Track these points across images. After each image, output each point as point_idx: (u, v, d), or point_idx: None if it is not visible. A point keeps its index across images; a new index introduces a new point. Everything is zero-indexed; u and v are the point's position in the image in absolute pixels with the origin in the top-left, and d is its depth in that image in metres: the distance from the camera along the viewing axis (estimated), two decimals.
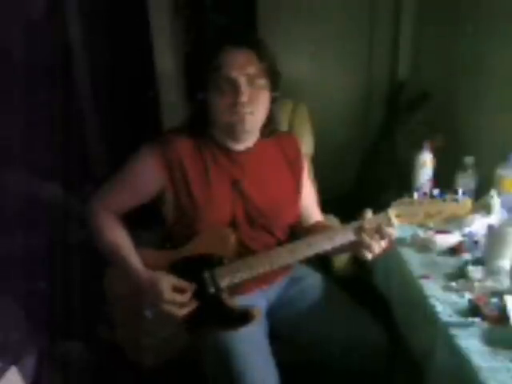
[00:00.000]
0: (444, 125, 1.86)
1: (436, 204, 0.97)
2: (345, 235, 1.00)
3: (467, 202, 0.97)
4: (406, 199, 0.99)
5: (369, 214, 0.99)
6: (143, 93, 2.37)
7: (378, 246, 0.98)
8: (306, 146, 1.63)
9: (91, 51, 2.18)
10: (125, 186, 1.14)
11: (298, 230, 1.22)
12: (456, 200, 0.97)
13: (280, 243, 1.13)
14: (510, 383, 0.81)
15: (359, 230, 0.98)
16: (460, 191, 0.98)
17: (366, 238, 0.97)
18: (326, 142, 1.80)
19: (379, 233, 0.97)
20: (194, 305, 1.06)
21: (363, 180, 2.27)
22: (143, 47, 2.22)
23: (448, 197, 0.97)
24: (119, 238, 1.13)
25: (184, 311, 1.05)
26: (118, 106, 2.25)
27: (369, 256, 0.99)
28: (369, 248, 0.97)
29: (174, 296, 1.04)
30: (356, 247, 1.00)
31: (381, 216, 0.99)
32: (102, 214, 1.14)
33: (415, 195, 0.98)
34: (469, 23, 1.71)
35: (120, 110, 2.27)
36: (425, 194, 0.99)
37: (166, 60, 2.24)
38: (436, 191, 0.98)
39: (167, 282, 1.04)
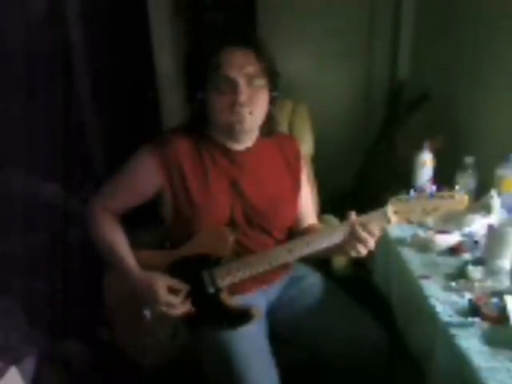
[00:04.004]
0: (444, 125, 1.86)
1: (433, 200, 0.98)
2: (341, 233, 1.01)
3: (464, 198, 0.98)
4: (403, 196, 0.99)
5: (352, 215, 1.00)
6: (143, 93, 2.37)
7: (363, 246, 0.99)
8: (306, 146, 1.63)
9: (92, 52, 2.18)
10: (124, 186, 1.14)
11: (293, 232, 1.22)
12: (452, 195, 0.97)
13: (278, 244, 1.13)
14: (510, 383, 0.81)
15: (352, 229, 0.99)
16: (457, 187, 0.98)
17: (352, 238, 0.99)
18: (326, 142, 1.80)
19: (365, 231, 0.98)
20: (189, 304, 1.07)
21: (363, 180, 2.27)
22: (143, 47, 2.22)
23: (444, 192, 0.97)
24: (117, 239, 1.13)
25: (179, 311, 1.06)
26: (119, 107, 2.25)
27: (353, 254, 1.00)
28: (354, 247, 0.99)
29: (169, 297, 1.05)
30: (343, 246, 1.01)
31: (379, 213, 0.99)
32: (101, 214, 1.14)
33: (412, 192, 0.99)
34: (469, 23, 1.71)
35: (120, 111, 2.27)
36: (421, 190, 0.99)
37: (166, 60, 2.25)
38: (433, 187, 0.98)
39: (162, 283, 1.05)
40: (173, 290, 1.06)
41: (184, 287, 1.07)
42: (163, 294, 1.04)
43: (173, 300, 1.05)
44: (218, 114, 1.05)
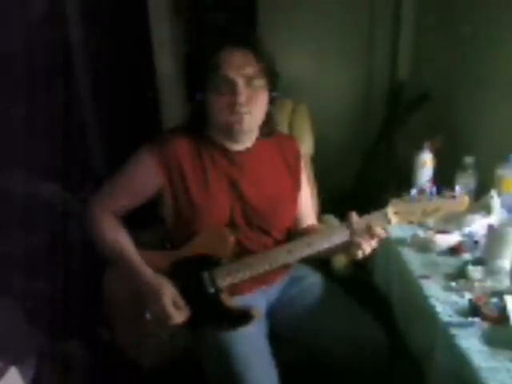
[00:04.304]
0: (444, 125, 1.86)
1: (433, 201, 0.98)
2: (342, 234, 1.01)
3: (465, 199, 0.98)
4: (403, 197, 0.99)
5: (354, 216, 1.00)
6: (143, 93, 2.37)
7: (369, 245, 1.00)
8: (306, 146, 1.63)
9: (91, 52, 2.18)
10: (124, 186, 1.14)
11: (293, 233, 1.22)
12: (453, 196, 0.97)
13: (278, 244, 1.13)
14: (510, 383, 0.81)
15: (351, 230, 0.99)
16: (457, 188, 0.98)
17: (357, 238, 0.99)
18: (326, 142, 1.80)
19: (369, 233, 0.98)
20: (186, 314, 1.07)
21: (363, 180, 2.27)
22: (143, 47, 2.22)
23: (445, 193, 0.97)
24: (121, 238, 1.12)
25: (176, 321, 1.05)
26: (119, 106, 2.25)
27: (359, 255, 1.00)
28: (359, 247, 0.99)
29: (173, 311, 1.04)
30: (348, 246, 1.01)
31: (379, 214, 1.00)
32: (102, 215, 1.13)
33: (412, 192, 0.99)
34: (469, 23, 1.71)
35: (120, 110, 2.27)
36: (422, 191, 0.99)
37: (166, 60, 2.24)
38: (433, 188, 0.98)
39: (170, 296, 1.04)
40: (176, 305, 1.05)
41: (186, 307, 1.06)
42: (169, 307, 1.03)
43: (175, 314, 1.04)
44: (218, 114, 1.05)
